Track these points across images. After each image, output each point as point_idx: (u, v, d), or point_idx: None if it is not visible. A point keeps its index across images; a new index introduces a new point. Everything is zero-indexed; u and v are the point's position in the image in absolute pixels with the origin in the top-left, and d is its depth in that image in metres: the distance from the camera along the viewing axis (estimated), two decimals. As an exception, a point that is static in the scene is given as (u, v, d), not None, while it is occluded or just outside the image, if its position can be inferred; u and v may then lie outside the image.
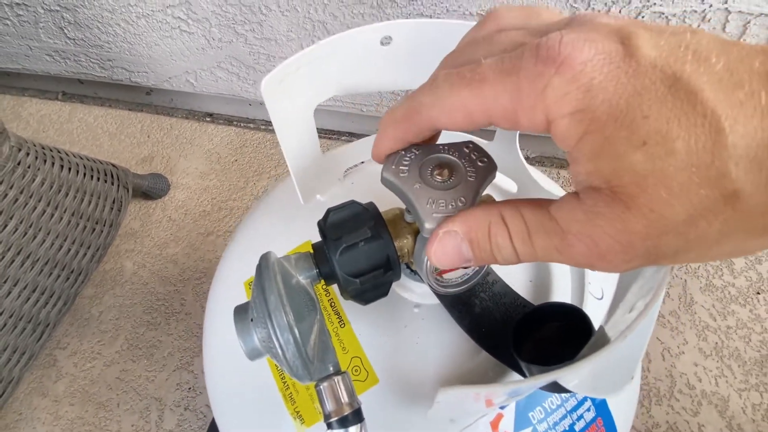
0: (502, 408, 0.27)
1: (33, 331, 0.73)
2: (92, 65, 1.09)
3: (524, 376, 0.25)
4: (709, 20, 0.64)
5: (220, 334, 0.35)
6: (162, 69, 1.03)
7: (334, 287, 0.32)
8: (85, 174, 0.78)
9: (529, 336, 0.26)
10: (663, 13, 0.65)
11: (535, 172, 0.37)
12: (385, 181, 0.20)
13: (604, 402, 0.29)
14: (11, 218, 0.65)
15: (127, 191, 0.88)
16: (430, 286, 0.25)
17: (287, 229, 0.36)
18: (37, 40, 1.07)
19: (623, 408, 0.31)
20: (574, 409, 0.28)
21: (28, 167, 0.67)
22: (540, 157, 0.95)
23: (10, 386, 0.71)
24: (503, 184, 0.37)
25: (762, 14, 0.62)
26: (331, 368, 0.22)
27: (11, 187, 0.65)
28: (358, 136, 1.03)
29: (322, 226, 0.24)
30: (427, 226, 0.19)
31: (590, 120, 0.13)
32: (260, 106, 1.07)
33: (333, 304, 0.31)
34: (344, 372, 0.22)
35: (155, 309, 0.85)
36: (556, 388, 0.21)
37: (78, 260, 0.79)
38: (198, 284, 0.87)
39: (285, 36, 0.86)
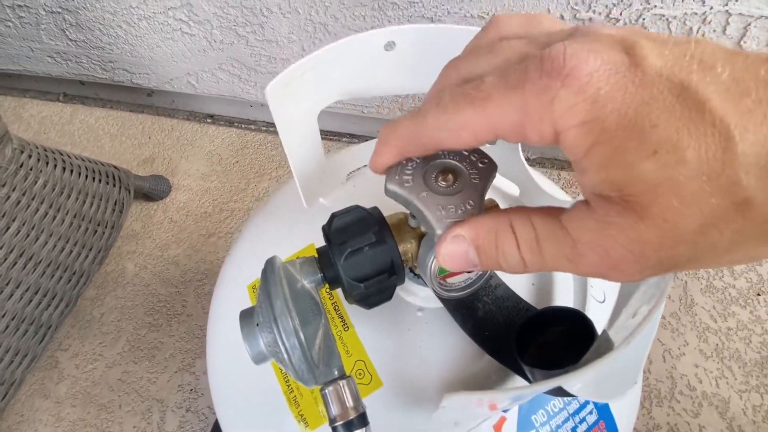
0: (505, 411, 0.28)
1: (35, 333, 0.73)
2: (94, 67, 1.10)
3: (527, 379, 0.25)
4: (709, 22, 0.65)
5: (223, 337, 0.35)
6: (163, 70, 1.04)
7: (338, 291, 0.32)
8: (86, 176, 0.78)
9: (532, 340, 0.26)
10: (664, 16, 0.65)
11: (536, 175, 0.37)
12: (390, 193, 0.20)
13: (606, 405, 0.29)
14: (14, 220, 0.65)
15: (129, 193, 0.88)
16: (433, 290, 0.25)
17: (290, 232, 0.36)
18: (39, 42, 1.07)
19: (625, 411, 0.31)
20: (577, 412, 0.28)
21: (31, 169, 0.68)
22: (541, 159, 0.95)
23: (12, 388, 0.71)
24: (505, 187, 0.38)
25: (762, 16, 0.62)
26: (336, 372, 0.22)
27: (14, 190, 0.65)
28: (359, 137, 1.04)
29: (327, 231, 0.24)
30: (440, 232, 0.19)
31: (599, 130, 0.13)
32: (261, 107, 1.08)
33: (336, 307, 0.31)
34: (349, 376, 0.22)
35: (157, 310, 0.85)
36: (559, 392, 0.22)
37: (80, 262, 0.79)
38: (199, 286, 0.87)
39: (286, 38, 0.86)
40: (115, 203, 0.85)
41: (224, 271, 0.39)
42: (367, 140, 1.13)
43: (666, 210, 0.12)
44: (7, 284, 0.66)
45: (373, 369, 0.29)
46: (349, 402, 0.21)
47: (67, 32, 1.02)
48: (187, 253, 0.92)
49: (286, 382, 0.30)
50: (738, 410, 0.67)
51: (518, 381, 0.28)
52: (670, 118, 0.12)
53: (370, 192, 0.37)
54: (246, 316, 0.22)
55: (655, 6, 0.64)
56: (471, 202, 0.20)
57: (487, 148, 0.35)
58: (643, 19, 0.66)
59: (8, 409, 0.76)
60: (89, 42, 1.02)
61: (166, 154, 1.07)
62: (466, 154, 0.21)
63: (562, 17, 0.69)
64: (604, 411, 0.29)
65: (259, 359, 0.22)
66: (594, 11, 0.67)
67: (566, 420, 0.28)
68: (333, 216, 0.24)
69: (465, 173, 0.21)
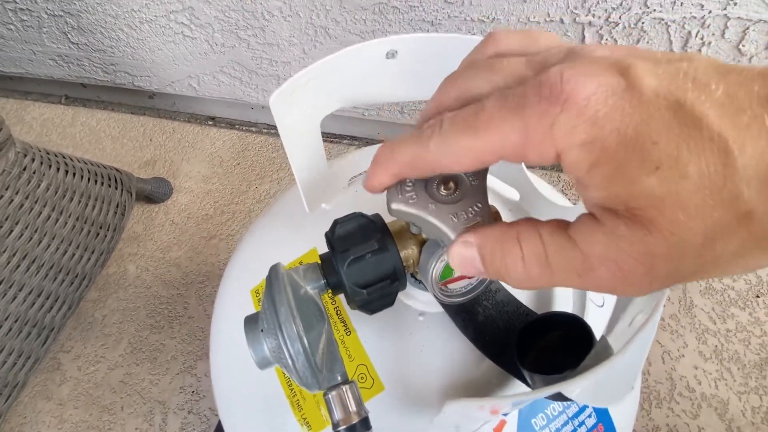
0: (505, 415, 0.28)
1: (38, 335, 0.73)
2: (95, 69, 1.10)
3: (527, 383, 0.26)
4: (708, 26, 0.65)
5: (227, 340, 0.35)
6: (165, 73, 1.04)
7: (340, 296, 0.32)
8: (89, 178, 0.79)
9: (532, 344, 0.26)
10: (663, 19, 0.66)
11: (536, 180, 0.38)
12: (396, 213, 0.21)
13: (605, 409, 0.29)
14: (17, 223, 0.66)
15: (131, 195, 0.89)
16: (434, 295, 0.26)
17: (293, 237, 0.37)
18: (41, 45, 1.08)
19: (624, 414, 0.31)
20: (576, 415, 0.29)
21: (34, 173, 0.68)
22: (540, 161, 0.96)
23: (15, 390, 0.72)
24: (505, 192, 0.38)
25: (761, 20, 0.62)
26: (339, 377, 0.22)
27: (17, 193, 0.65)
28: (360, 139, 1.04)
29: (330, 237, 0.24)
30: None
31: (600, 149, 0.13)
32: (262, 109, 1.08)
33: (339, 312, 0.32)
34: (352, 381, 0.23)
35: (158, 312, 0.85)
36: (558, 396, 0.22)
37: (82, 264, 0.79)
38: (201, 287, 0.87)
39: (287, 41, 0.86)
40: (117, 206, 0.86)
41: (227, 275, 0.39)
42: (368, 143, 1.13)
43: (673, 223, 0.13)
44: (10, 287, 0.66)
45: (374, 373, 0.29)
46: (352, 407, 0.22)
47: (69, 35, 1.02)
48: (189, 255, 0.92)
49: (289, 385, 0.31)
50: (737, 412, 0.67)
51: (518, 385, 0.28)
52: (669, 135, 0.12)
53: (372, 197, 0.37)
54: (250, 322, 0.23)
55: (654, 10, 0.65)
56: (478, 204, 0.20)
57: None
58: (642, 23, 0.67)
59: (11, 411, 0.76)
60: (91, 45, 1.03)
61: (168, 157, 1.08)
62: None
63: (561, 21, 0.69)
64: (603, 414, 0.29)
65: (263, 364, 0.22)
66: (593, 15, 0.67)
67: (565, 423, 0.28)
68: (336, 223, 0.25)
69: (463, 178, 0.21)
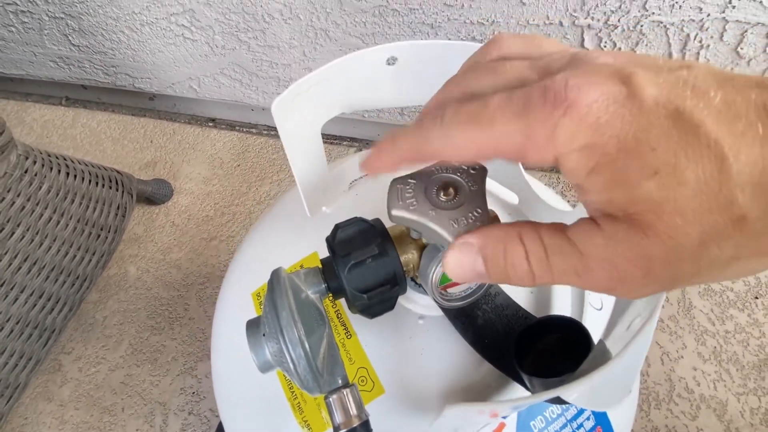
0: (504, 417, 0.28)
1: (39, 336, 0.73)
2: (96, 71, 1.10)
3: (526, 387, 0.26)
4: (706, 29, 0.65)
5: (228, 343, 0.36)
6: (165, 75, 1.04)
7: (341, 300, 0.32)
8: (90, 180, 0.79)
9: (531, 348, 0.26)
10: (662, 23, 0.66)
11: (535, 183, 0.38)
12: (398, 219, 0.21)
13: (603, 411, 0.30)
14: (18, 225, 0.66)
15: (131, 197, 0.89)
16: (434, 299, 0.26)
17: (294, 240, 0.37)
18: (42, 47, 1.08)
19: (622, 417, 0.32)
20: (574, 418, 0.29)
21: (35, 175, 0.68)
22: (540, 163, 0.96)
23: (16, 392, 0.72)
24: (504, 195, 0.38)
25: (759, 23, 0.63)
26: (340, 381, 0.23)
27: (18, 195, 0.66)
28: (360, 141, 1.04)
29: (331, 242, 0.25)
30: None
31: (600, 154, 0.14)
32: (262, 111, 1.08)
33: (339, 315, 0.32)
34: (353, 384, 0.23)
35: (159, 314, 0.86)
36: (556, 399, 0.22)
37: (83, 266, 0.80)
38: (201, 289, 0.88)
39: (287, 43, 0.87)
40: (118, 207, 0.86)
41: (228, 278, 0.40)
42: (368, 145, 1.13)
43: (670, 227, 0.13)
44: (11, 288, 0.67)
45: (375, 376, 0.30)
46: (353, 410, 0.22)
47: (70, 37, 1.03)
48: (189, 256, 0.92)
49: (290, 388, 0.31)
50: (736, 413, 0.67)
51: (517, 388, 0.29)
52: (668, 142, 0.13)
53: (372, 200, 0.38)
54: (252, 326, 0.23)
55: (653, 13, 0.65)
56: (478, 209, 0.21)
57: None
58: (641, 26, 0.67)
59: (12, 412, 0.77)
60: (92, 47, 1.03)
61: (168, 158, 1.08)
62: (457, 164, 0.22)
63: (561, 24, 0.70)
64: (601, 417, 0.29)
65: (265, 368, 0.23)
66: (592, 18, 0.68)
67: (564, 426, 0.28)
68: (336, 227, 0.25)
69: (462, 183, 0.22)
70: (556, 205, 0.35)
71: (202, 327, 0.83)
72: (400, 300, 0.32)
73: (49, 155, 0.73)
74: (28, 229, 0.68)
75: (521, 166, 0.35)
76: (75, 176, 0.76)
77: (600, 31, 0.69)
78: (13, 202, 0.65)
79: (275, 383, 0.31)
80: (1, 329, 0.66)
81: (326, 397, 0.22)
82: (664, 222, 0.13)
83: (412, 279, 0.29)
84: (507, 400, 0.27)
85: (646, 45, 0.69)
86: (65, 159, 0.76)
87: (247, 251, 0.40)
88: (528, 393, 0.26)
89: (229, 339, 0.36)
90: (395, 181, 0.23)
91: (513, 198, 0.38)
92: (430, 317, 0.31)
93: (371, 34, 0.79)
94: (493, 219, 0.25)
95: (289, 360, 0.21)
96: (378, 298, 0.24)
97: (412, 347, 0.30)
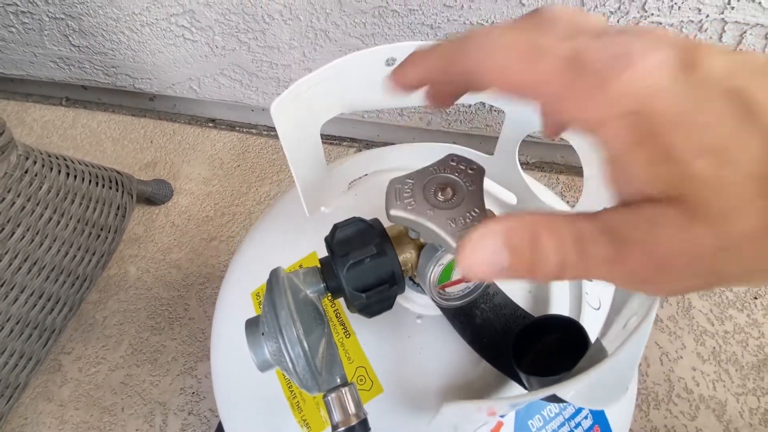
0: (502, 416, 0.28)
1: (39, 336, 0.73)
2: (96, 72, 1.11)
3: (523, 386, 0.26)
4: (705, 30, 0.65)
5: (227, 343, 0.36)
6: (165, 76, 1.05)
7: (340, 299, 0.33)
8: (90, 181, 0.79)
9: (529, 347, 0.27)
10: (661, 23, 0.66)
11: (533, 183, 0.38)
12: (396, 219, 0.21)
13: (601, 410, 0.30)
14: (18, 226, 0.66)
15: (132, 197, 0.89)
16: (432, 299, 0.26)
17: (293, 240, 0.37)
18: (42, 48, 1.08)
19: (620, 415, 0.32)
20: (572, 417, 0.29)
21: (35, 175, 0.68)
22: (540, 162, 0.96)
23: (16, 392, 0.72)
24: (503, 195, 0.38)
25: (758, 24, 0.63)
26: (339, 380, 0.23)
27: (18, 195, 0.66)
28: (359, 141, 1.04)
29: (330, 242, 0.25)
30: (455, 245, 0.20)
31: (648, 125, 0.13)
32: (262, 111, 1.09)
33: (338, 314, 0.32)
34: (351, 383, 0.23)
35: (159, 314, 0.86)
36: (554, 398, 0.22)
37: (83, 266, 0.80)
38: (201, 289, 0.88)
39: (287, 44, 0.87)
40: (118, 208, 0.86)
41: (228, 278, 0.40)
42: (368, 145, 1.13)
43: (721, 212, 0.12)
44: (11, 289, 0.67)
45: (374, 375, 0.30)
46: (351, 409, 0.22)
47: (70, 38, 1.03)
48: (189, 256, 0.92)
49: (289, 387, 0.31)
50: (735, 413, 0.67)
51: (515, 387, 0.29)
52: (722, 120, 0.12)
53: (371, 200, 0.38)
54: (251, 325, 0.23)
55: (653, 14, 0.65)
56: (476, 209, 0.21)
57: (486, 160, 0.36)
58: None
59: (12, 412, 0.77)
60: (92, 48, 1.03)
61: (168, 159, 1.08)
62: (454, 164, 0.22)
63: (560, 24, 0.70)
64: (599, 416, 0.30)
65: (264, 367, 0.23)
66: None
67: (562, 425, 0.29)
68: (335, 227, 0.25)
69: (460, 183, 0.22)
70: (554, 204, 0.35)
71: (202, 327, 0.84)
72: (399, 299, 0.32)
73: (50, 155, 0.73)
74: (28, 230, 0.68)
75: (519, 167, 0.35)
76: (75, 176, 0.76)
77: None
78: (14, 203, 0.65)
79: (274, 383, 0.31)
80: (1, 329, 0.66)
81: (325, 396, 0.23)
82: (713, 205, 0.12)
83: (411, 278, 0.30)
84: (504, 397, 0.27)
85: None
86: (65, 159, 0.76)
87: (247, 251, 0.40)
88: (526, 391, 0.26)
89: (228, 338, 0.36)
90: (393, 181, 0.23)
91: (511, 198, 0.38)
92: (429, 317, 0.31)
93: (371, 34, 0.80)
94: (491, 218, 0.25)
95: (287, 359, 0.21)
96: (376, 298, 0.24)
97: (410, 346, 0.30)
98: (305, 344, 0.21)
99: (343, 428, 0.22)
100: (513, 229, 0.15)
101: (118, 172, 0.87)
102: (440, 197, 0.22)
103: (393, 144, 0.40)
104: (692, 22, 0.65)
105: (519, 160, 0.35)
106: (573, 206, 0.34)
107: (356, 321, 0.32)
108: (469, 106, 0.88)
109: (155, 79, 1.07)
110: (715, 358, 0.71)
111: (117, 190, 0.85)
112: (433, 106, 0.19)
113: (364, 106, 0.31)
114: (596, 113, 0.13)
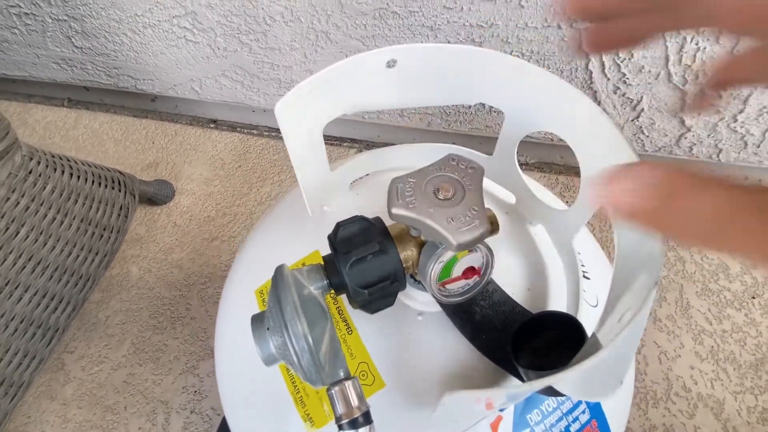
0: (501, 410, 0.29)
1: (43, 335, 0.74)
2: (98, 73, 1.11)
3: (522, 381, 0.27)
4: (703, 32, 0.66)
5: (232, 339, 0.36)
6: (167, 77, 1.05)
7: (342, 296, 0.33)
8: (93, 181, 0.80)
9: (528, 343, 0.27)
10: (658, 25, 0.67)
11: (532, 183, 0.39)
12: (397, 217, 0.22)
13: (598, 404, 0.30)
14: (23, 226, 0.67)
15: (134, 198, 0.90)
16: (433, 295, 0.27)
17: (295, 239, 0.38)
18: (45, 49, 1.09)
19: (617, 410, 0.32)
20: (570, 411, 0.30)
21: (39, 176, 0.69)
22: (539, 163, 0.97)
23: (20, 390, 0.73)
24: (501, 195, 0.39)
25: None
26: (342, 373, 0.23)
27: (23, 196, 0.66)
28: (360, 142, 1.05)
29: (333, 240, 0.25)
30: (455, 242, 0.20)
31: None
32: (263, 112, 1.09)
33: (341, 311, 0.33)
34: (354, 377, 0.24)
35: (161, 313, 0.86)
36: (551, 392, 0.23)
37: (86, 266, 0.80)
38: (203, 289, 0.88)
39: (288, 45, 0.87)
40: (121, 208, 0.87)
41: (231, 277, 0.40)
42: (368, 146, 1.14)
43: None
44: (16, 288, 0.67)
45: (375, 370, 0.30)
46: (354, 401, 0.23)
47: (72, 39, 1.03)
48: (191, 256, 0.93)
49: (293, 382, 0.32)
50: (733, 411, 0.68)
51: (514, 381, 0.29)
52: None
53: (372, 200, 0.39)
54: (257, 320, 0.24)
55: (650, 16, 0.66)
56: (475, 207, 0.21)
57: (486, 160, 0.36)
58: (638, 29, 0.68)
59: (15, 411, 0.77)
60: (94, 49, 1.04)
61: (170, 159, 1.09)
62: (454, 164, 0.23)
63: (559, 26, 0.71)
64: (596, 410, 0.30)
65: (269, 361, 0.23)
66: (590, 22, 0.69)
67: (560, 419, 0.29)
68: (338, 225, 0.26)
69: (460, 183, 0.23)
70: (553, 204, 0.35)
71: (204, 326, 0.84)
72: (400, 297, 0.32)
73: (53, 156, 0.73)
74: (32, 229, 0.68)
75: (518, 168, 0.36)
76: (78, 177, 0.77)
77: (597, 33, 0.70)
78: (18, 203, 0.66)
79: (278, 378, 0.32)
80: (6, 328, 0.67)
81: (328, 389, 0.23)
82: None
83: (412, 276, 0.30)
84: (503, 386, 0.28)
85: (643, 47, 0.70)
86: (69, 160, 0.76)
87: (250, 250, 0.41)
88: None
89: (232, 335, 0.36)
90: (395, 180, 0.24)
91: (510, 197, 0.38)
92: (429, 313, 0.32)
93: (371, 36, 0.80)
94: (491, 218, 0.25)
95: (293, 353, 0.22)
96: (379, 294, 0.25)
97: (411, 342, 0.31)
98: (310, 338, 0.22)
99: (346, 420, 0.22)
100: (673, 177, 0.12)
101: (120, 173, 0.87)
102: (440, 196, 0.22)
103: (393, 144, 0.40)
104: (690, 23, 0.65)
105: (518, 161, 0.35)
106: (570, 205, 0.35)
107: (358, 318, 0.32)
108: (469, 107, 0.88)
109: (157, 80, 1.07)
110: (713, 357, 0.72)
111: (120, 191, 0.86)
112: (588, 49, 0.16)
113: (366, 107, 0.31)
114: None
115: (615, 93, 0.78)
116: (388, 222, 0.26)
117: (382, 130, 1.02)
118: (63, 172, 0.74)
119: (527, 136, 0.33)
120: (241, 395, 0.34)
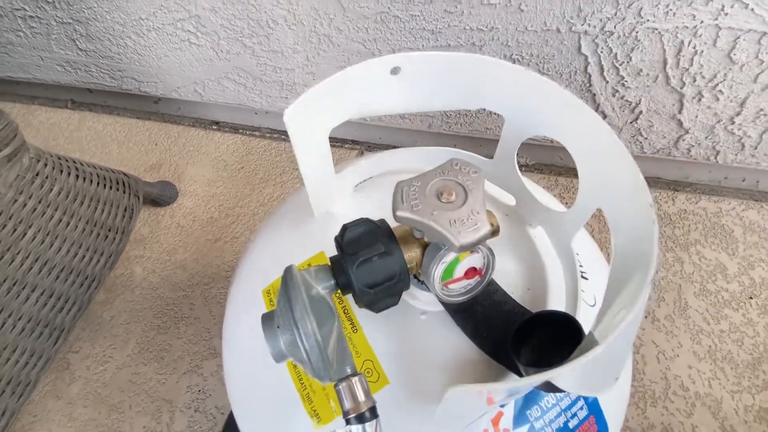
0: (502, 406, 0.30)
1: (49, 335, 0.75)
2: (102, 75, 1.12)
3: (521, 377, 0.28)
4: (700, 35, 0.67)
5: (239, 337, 0.37)
6: (171, 79, 1.06)
7: (348, 296, 0.34)
8: (98, 183, 0.81)
9: (528, 341, 0.28)
10: (656, 29, 0.68)
11: (532, 186, 0.40)
12: (402, 219, 0.23)
13: (595, 401, 0.31)
14: (30, 227, 0.68)
15: (138, 199, 0.91)
16: (436, 295, 0.28)
17: (301, 240, 0.39)
18: (49, 51, 1.10)
19: (614, 406, 0.33)
20: (569, 407, 0.31)
21: (46, 177, 0.70)
22: (538, 165, 0.98)
23: (27, 389, 0.74)
24: (502, 197, 0.40)
25: (751, 30, 0.64)
26: (349, 370, 0.24)
27: (30, 197, 0.67)
28: (361, 143, 1.06)
29: (340, 241, 0.26)
30: (458, 243, 0.21)
31: None
32: (266, 114, 1.10)
33: (346, 311, 0.34)
34: (360, 373, 0.25)
35: (165, 313, 0.87)
36: (550, 387, 0.24)
37: (91, 266, 0.81)
38: (206, 289, 0.89)
39: (291, 48, 0.89)
40: (125, 209, 0.88)
41: (238, 276, 0.41)
42: (369, 147, 1.14)
43: None
44: (23, 288, 0.68)
45: (380, 368, 0.31)
46: (361, 397, 0.24)
47: (77, 42, 1.04)
48: (194, 257, 0.94)
49: (300, 379, 0.32)
50: (730, 410, 0.69)
51: (514, 378, 0.30)
52: None
53: (376, 202, 0.40)
54: (267, 319, 0.25)
55: (648, 20, 0.67)
56: (477, 210, 0.22)
57: (486, 163, 0.37)
58: (636, 33, 0.69)
59: (22, 410, 0.78)
60: (99, 51, 1.05)
61: (173, 161, 1.10)
62: (456, 167, 0.24)
63: (558, 30, 0.72)
64: (594, 406, 0.31)
65: (279, 358, 0.24)
66: (589, 24, 0.70)
67: (559, 415, 0.30)
68: (345, 227, 0.27)
69: (462, 186, 0.24)
70: (552, 206, 0.36)
71: (208, 326, 0.85)
72: (404, 297, 0.33)
73: (59, 158, 0.74)
74: (39, 231, 0.69)
75: (518, 170, 0.37)
76: (84, 179, 0.78)
77: (596, 37, 0.71)
78: (25, 204, 0.67)
79: (285, 375, 0.33)
80: (13, 327, 0.68)
81: (336, 385, 0.24)
82: None
83: (415, 277, 0.31)
84: (503, 381, 0.29)
85: (642, 51, 0.71)
86: (74, 162, 0.77)
87: (256, 251, 0.42)
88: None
89: (240, 334, 0.37)
90: (400, 183, 0.25)
91: (510, 200, 0.39)
92: (432, 312, 0.33)
93: (373, 39, 0.81)
94: (491, 220, 0.26)
95: (302, 350, 0.23)
96: (384, 293, 0.26)
97: (414, 341, 0.32)
98: (318, 336, 0.23)
99: (354, 415, 0.23)
100: None
101: (125, 174, 0.88)
102: (444, 199, 0.23)
103: (395, 146, 0.41)
104: (687, 27, 0.66)
105: (519, 163, 0.36)
106: (569, 207, 0.36)
107: (363, 317, 0.33)
108: (470, 110, 0.89)
109: (160, 83, 1.08)
110: (711, 357, 0.73)
111: (124, 192, 0.87)
112: None
113: (371, 113, 0.32)
114: None
115: (614, 96, 0.79)
116: (392, 224, 0.27)
117: (383, 132, 1.03)
118: (69, 174, 0.75)
119: (527, 138, 0.34)
120: (248, 392, 0.35)
